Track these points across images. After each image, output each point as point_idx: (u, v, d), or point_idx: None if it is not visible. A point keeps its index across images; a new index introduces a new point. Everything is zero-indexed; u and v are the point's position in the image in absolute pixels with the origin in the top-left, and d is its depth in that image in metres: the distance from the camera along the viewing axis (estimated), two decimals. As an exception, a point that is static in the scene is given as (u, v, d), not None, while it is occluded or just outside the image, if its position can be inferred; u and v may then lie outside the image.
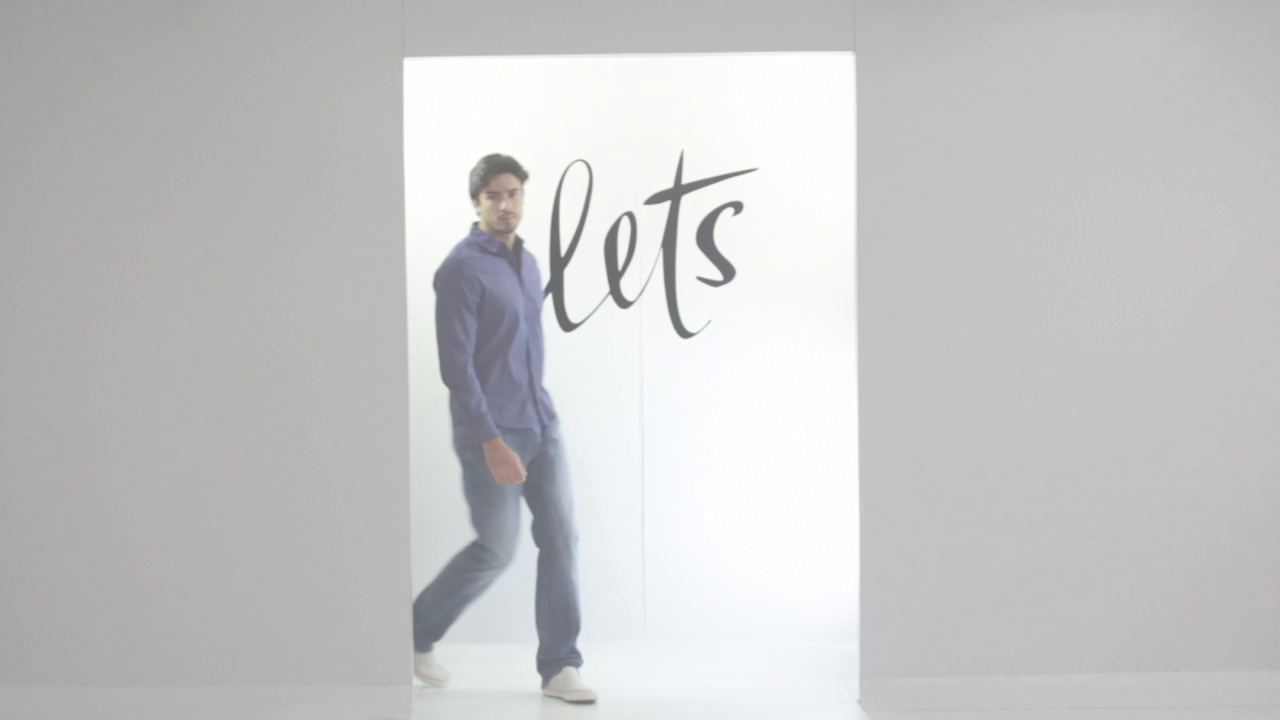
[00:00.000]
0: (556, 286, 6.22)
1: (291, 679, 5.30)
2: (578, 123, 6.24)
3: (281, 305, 5.30)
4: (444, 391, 6.21)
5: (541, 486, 5.40)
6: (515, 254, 5.42)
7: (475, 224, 5.42)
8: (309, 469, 5.30)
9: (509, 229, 5.36)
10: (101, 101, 5.29)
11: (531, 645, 5.68)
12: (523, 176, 5.39)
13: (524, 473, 5.26)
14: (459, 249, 5.37)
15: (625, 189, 6.26)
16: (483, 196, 5.35)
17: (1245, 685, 5.24)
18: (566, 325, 6.22)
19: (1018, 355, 5.33)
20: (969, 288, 5.32)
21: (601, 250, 6.24)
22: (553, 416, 5.47)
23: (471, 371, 5.26)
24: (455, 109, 6.21)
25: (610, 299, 6.25)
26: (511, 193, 5.33)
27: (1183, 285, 5.36)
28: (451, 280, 5.29)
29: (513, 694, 5.41)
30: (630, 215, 6.24)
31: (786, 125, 6.23)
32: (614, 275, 6.25)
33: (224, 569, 5.32)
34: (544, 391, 5.46)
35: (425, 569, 5.89)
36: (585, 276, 6.23)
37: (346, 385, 5.29)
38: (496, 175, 5.32)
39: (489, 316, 5.28)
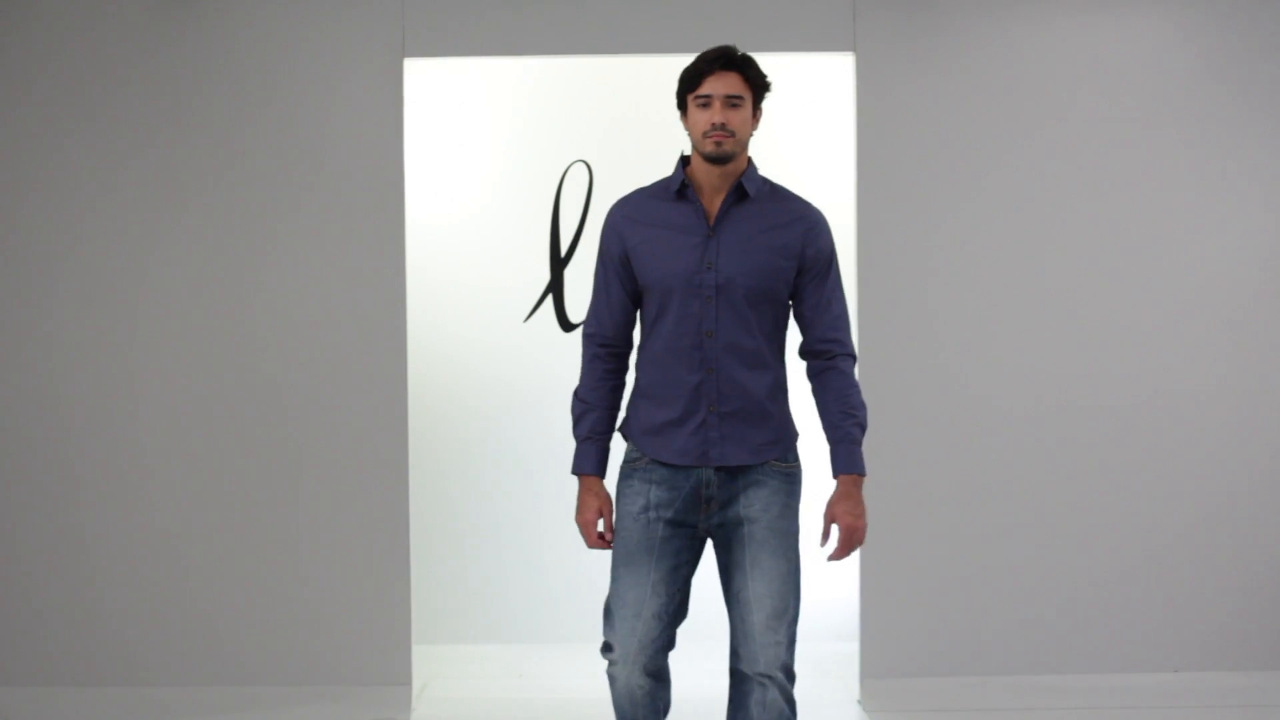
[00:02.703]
0: (556, 287, 6.22)
1: (291, 679, 5.31)
2: (578, 123, 6.23)
3: (281, 305, 5.30)
4: (444, 391, 6.21)
5: (728, 572, 3.48)
6: (722, 198, 3.49)
7: (684, 157, 3.58)
8: (309, 469, 5.30)
9: (721, 155, 3.41)
10: (101, 102, 5.29)
11: (532, 645, 5.69)
12: (757, 82, 3.46)
13: (596, 537, 3.53)
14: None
15: (625, 189, 6.24)
16: (690, 104, 3.48)
17: (1245, 685, 5.24)
18: (566, 325, 6.21)
19: (1017, 354, 5.33)
20: (968, 287, 5.32)
21: (601, 250, 6.25)
22: (759, 460, 3.47)
23: (595, 363, 3.54)
24: (455, 109, 6.21)
25: (610, 299, 6.25)
26: (732, 101, 3.42)
27: (1183, 285, 5.36)
28: (602, 230, 3.60)
29: (514, 694, 5.41)
30: (630, 215, 6.24)
31: (786, 125, 6.22)
32: (614, 275, 6.24)
33: (224, 569, 5.32)
34: (740, 417, 3.46)
35: (425, 570, 5.89)
36: (585, 276, 6.22)
37: (347, 385, 5.29)
38: (711, 75, 3.43)
39: (642, 287, 3.50)
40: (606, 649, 3.49)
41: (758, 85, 3.46)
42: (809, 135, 6.22)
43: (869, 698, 5.20)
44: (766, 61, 6.02)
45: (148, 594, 5.32)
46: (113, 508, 5.32)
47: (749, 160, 3.50)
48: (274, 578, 5.32)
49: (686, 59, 5.69)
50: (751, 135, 3.46)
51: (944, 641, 5.33)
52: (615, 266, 3.51)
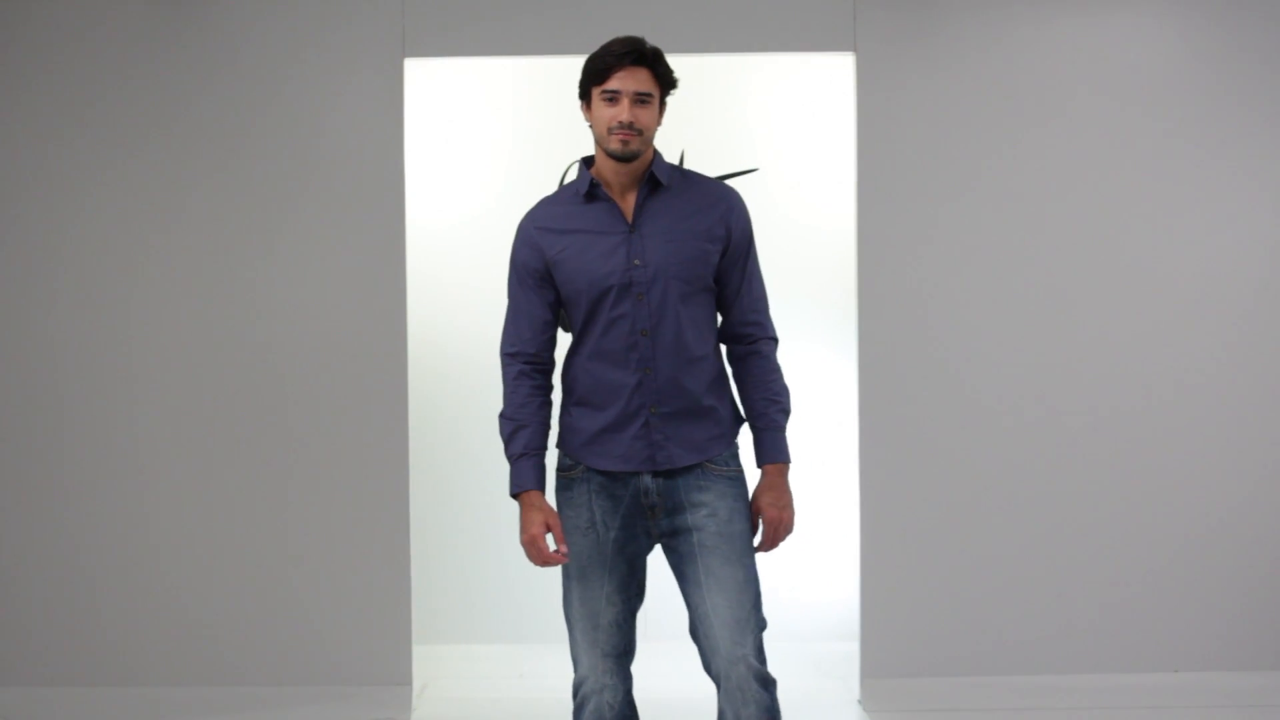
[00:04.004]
0: (556, 286, 6.22)
1: (291, 679, 5.31)
2: (578, 123, 6.22)
3: (281, 305, 5.30)
4: (444, 391, 6.21)
5: (685, 587, 3.36)
6: (636, 195, 3.37)
7: (585, 159, 3.45)
8: (309, 469, 5.30)
9: (627, 154, 3.30)
10: (101, 102, 5.29)
11: (532, 645, 5.66)
12: (664, 78, 3.35)
13: (548, 552, 3.33)
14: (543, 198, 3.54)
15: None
16: (595, 97, 3.35)
17: (1245, 685, 5.24)
18: (566, 325, 6.21)
19: (1017, 355, 5.33)
20: (969, 287, 5.32)
21: (601, 250, 6.24)
22: (704, 456, 3.34)
23: (520, 381, 3.40)
24: (455, 109, 6.21)
25: (610, 299, 6.25)
26: (641, 98, 3.30)
27: (1184, 285, 5.36)
28: (513, 246, 3.45)
29: (514, 694, 5.41)
30: (630, 215, 6.24)
31: (787, 125, 6.22)
32: (614, 275, 6.24)
33: (224, 569, 5.32)
34: (681, 416, 3.33)
35: (425, 570, 5.89)
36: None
37: (347, 385, 5.29)
38: (621, 69, 3.31)
39: (567, 296, 3.40)
40: (575, 667, 3.39)
41: (666, 82, 3.35)
42: (809, 135, 6.21)
43: (869, 698, 5.20)
44: (766, 61, 6.09)
45: (147, 594, 5.32)
46: (112, 507, 5.32)
47: (654, 151, 3.39)
48: (274, 578, 5.32)
49: (686, 59, 5.73)
50: (656, 131, 3.36)
51: (944, 641, 5.33)
52: (534, 281, 3.38)
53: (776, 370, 3.40)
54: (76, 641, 5.33)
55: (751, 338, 3.40)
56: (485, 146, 6.22)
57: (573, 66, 6.13)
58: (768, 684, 3.30)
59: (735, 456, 3.39)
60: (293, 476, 5.31)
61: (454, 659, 5.84)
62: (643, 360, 3.31)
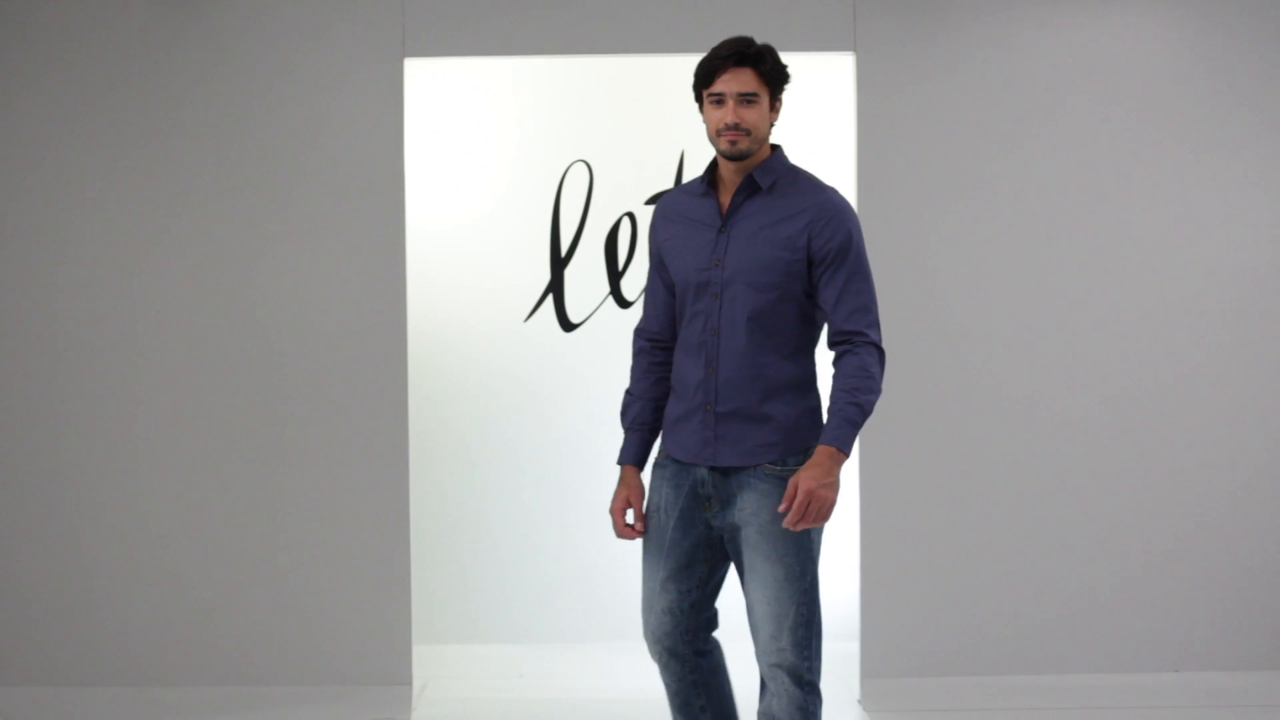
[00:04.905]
0: (557, 287, 6.22)
1: (291, 679, 5.31)
2: (578, 123, 6.23)
3: (281, 305, 5.30)
4: (444, 391, 6.21)
5: (740, 576, 3.49)
6: (740, 194, 3.44)
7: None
8: (309, 469, 5.30)
9: (736, 154, 3.38)
10: (100, 102, 5.29)
11: (532, 645, 5.64)
12: (771, 76, 3.38)
13: (622, 526, 3.49)
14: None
15: (625, 189, 6.26)
16: (705, 99, 3.41)
17: (1245, 685, 5.24)
18: (567, 325, 6.21)
19: (1017, 355, 5.33)
20: (968, 287, 5.32)
21: (602, 250, 6.25)
22: (752, 461, 3.38)
23: (640, 357, 3.59)
24: (455, 109, 6.21)
25: (610, 299, 6.25)
26: (747, 99, 3.35)
27: (1183, 285, 5.36)
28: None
29: (514, 694, 5.41)
30: (630, 215, 6.24)
31: (786, 125, 6.22)
32: (614, 275, 6.24)
33: (224, 569, 5.32)
34: (736, 417, 3.38)
35: (425, 570, 5.89)
36: (585, 276, 6.23)
37: (347, 385, 5.29)
38: (725, 72, 3.36)
39: (674, 283, 3.52)
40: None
41: (774, 79, 3.39)
42: (809, 135, 6.21)
43: (869, 698, 5.20)
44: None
45: (148, 594, 5.32)
46: (112, 507, 5.32)
47: (772, 148, 3.47)
48: (274, 577, 5.32)
49: (687, 58, 5.71)
50: (771, 128, 3.43)
51: (944, 641, 5.33)
52: (655, 261, 3.55)
53: (864, 370, 3.32)
54: (76, 641, 5.33)
55: (849, 343, 3.37)
56: (485, 146, 6.21)
57: (573, 67, 6.18)
58: (802, 683, 3.36)
59: (799, 457, 3.38)
60: (293, 476, 5.31)
61: (454, 659, 5.84)
62: (709, 359, 3.40)
